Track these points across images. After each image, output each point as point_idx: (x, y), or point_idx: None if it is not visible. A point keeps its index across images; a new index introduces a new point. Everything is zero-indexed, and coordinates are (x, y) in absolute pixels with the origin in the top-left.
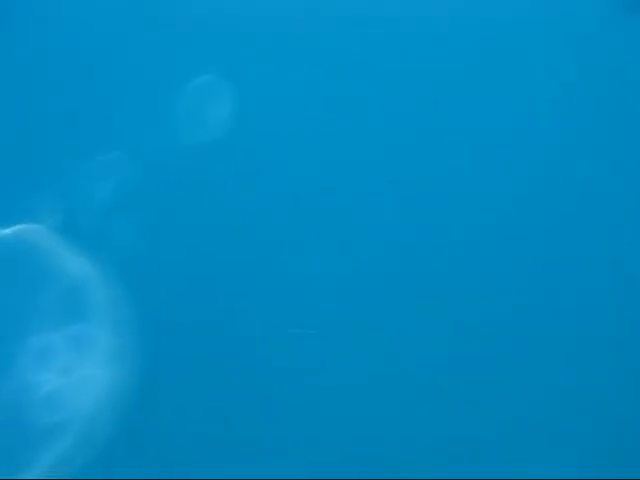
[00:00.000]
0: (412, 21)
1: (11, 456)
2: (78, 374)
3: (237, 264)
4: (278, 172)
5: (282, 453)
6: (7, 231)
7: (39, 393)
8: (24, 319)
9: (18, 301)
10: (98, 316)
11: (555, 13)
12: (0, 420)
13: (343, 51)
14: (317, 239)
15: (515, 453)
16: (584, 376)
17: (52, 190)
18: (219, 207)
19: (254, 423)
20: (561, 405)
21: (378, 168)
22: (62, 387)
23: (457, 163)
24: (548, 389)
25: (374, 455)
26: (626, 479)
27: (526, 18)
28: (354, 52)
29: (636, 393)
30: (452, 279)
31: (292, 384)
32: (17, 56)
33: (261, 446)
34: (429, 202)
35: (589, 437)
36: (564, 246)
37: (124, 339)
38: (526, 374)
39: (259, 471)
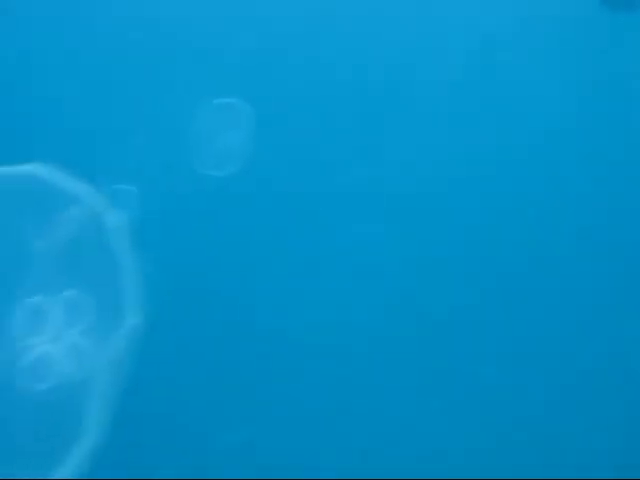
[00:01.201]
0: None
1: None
2: (70, 341)
3: (254, 302)
4: (302, 205)
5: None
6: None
7: (27, 358)
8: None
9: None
10: (98, 281)
11: (536, 13)
12: None
13: (367, 70)
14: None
15: (514, 453)
16: (584, 376)
17: None
18: (239, 239)
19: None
20: (560, 404)
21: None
22: (52, 353)
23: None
24: (548, 389)
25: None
26: (626, 479)
27: (508, 20)
28: (376, 71)
29: (636, 393)
30: (449, 279)
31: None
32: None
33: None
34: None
35: (588, 436)
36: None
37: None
38: (526, 374)
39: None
